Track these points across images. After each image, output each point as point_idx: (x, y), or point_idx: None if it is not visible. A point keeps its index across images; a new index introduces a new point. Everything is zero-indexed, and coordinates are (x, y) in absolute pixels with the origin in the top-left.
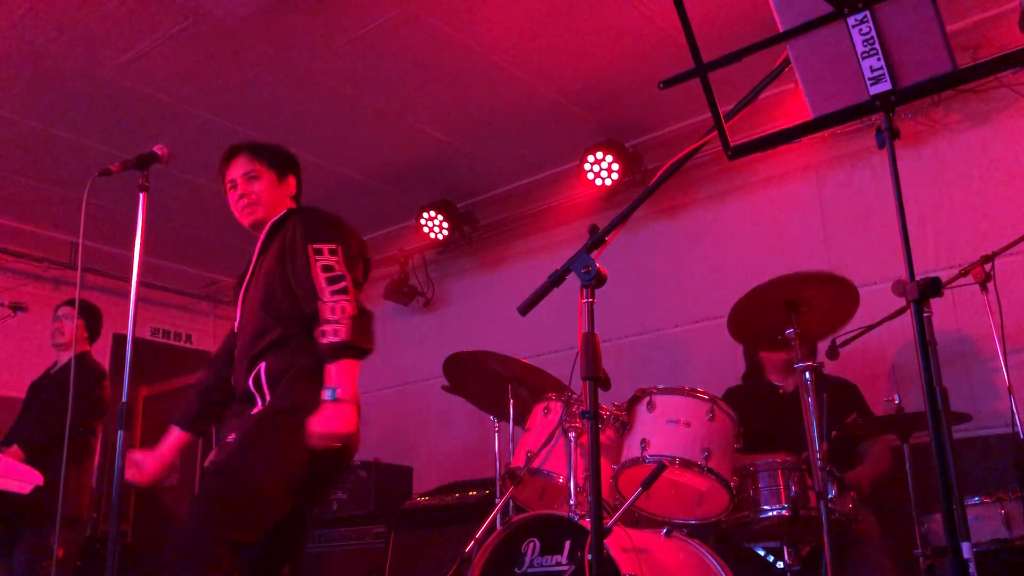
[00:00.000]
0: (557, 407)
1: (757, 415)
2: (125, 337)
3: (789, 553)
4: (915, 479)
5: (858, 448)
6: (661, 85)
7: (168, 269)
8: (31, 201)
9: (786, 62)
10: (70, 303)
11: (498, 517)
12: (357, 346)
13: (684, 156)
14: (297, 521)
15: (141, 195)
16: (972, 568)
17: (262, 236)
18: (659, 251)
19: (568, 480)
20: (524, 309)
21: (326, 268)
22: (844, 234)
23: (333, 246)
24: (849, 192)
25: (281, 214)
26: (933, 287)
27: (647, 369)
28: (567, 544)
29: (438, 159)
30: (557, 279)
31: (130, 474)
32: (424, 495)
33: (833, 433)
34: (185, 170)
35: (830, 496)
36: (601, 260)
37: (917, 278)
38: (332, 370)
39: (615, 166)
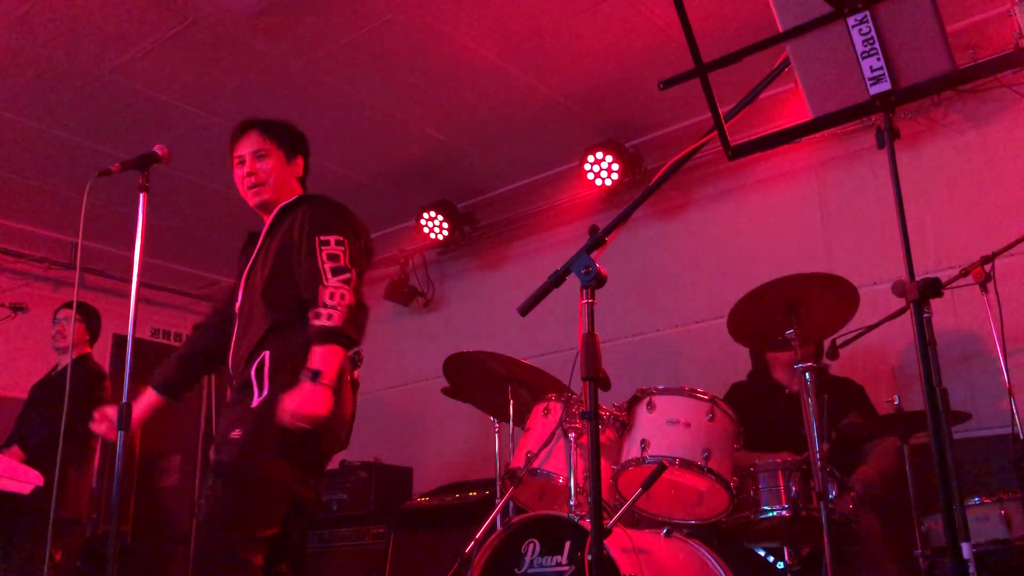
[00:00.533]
0: (557, 407)
1: (761, 413)
2: (125, 338)
3: (789, 553)
4: (915, 479)
5: (862, 448)
6: (661, 85)
7: (168, 269)
8: (31, 201)
9: (786, 62)
10: (68, 305)
11: (498, 518)
12: (347, 335)
13: (684, 156)
14: (291, 517)
15: (141, 195)
16: (972, 568)
17: (269, 219)
18: (659, 251)
19: (568, 480)
20: (524, 309)
21: (331, 257)
22: (844, 234)
23: (340, 238)
24: (849, 192)
25: (291, 200)
26: (933, 287)
27: (647, 369)
28: (567, 545)
29: (438, 159)
30: (557, 279)
31: (101, 428)
32: (424, 495)
33: (832, 434)
34: (185, 170)
35: (830, 496)
36: (601, 260)
37: (917, 278)
38: (318, 352)
39: (615, 166)
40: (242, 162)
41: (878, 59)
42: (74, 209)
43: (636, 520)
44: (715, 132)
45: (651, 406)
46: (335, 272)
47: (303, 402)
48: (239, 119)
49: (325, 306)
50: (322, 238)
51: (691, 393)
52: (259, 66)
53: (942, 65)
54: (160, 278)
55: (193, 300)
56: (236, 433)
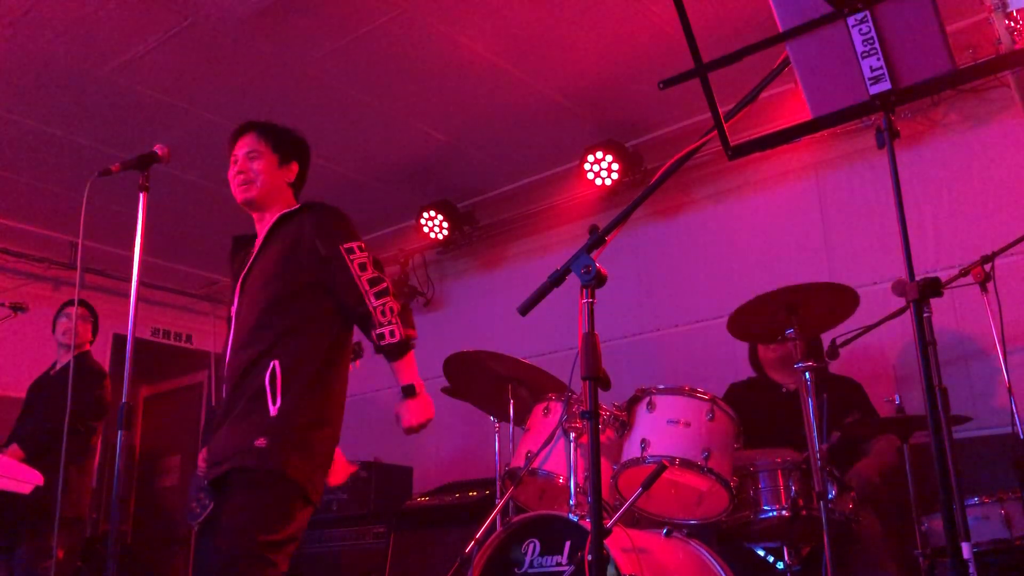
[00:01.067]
0: (557, 407)
1: (759, 412)
2: (125, 337)
3: (789, 553)
4: (915, 479)
5: (862, 446)
6: (661, 85)
7: (168, 269)
8: (31, 201)
9: (786, 62)
10: (71, 303)
11: (498, 517)
12: (409, 337)
13: (684, 156)
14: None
15: (141, 195)
16: (972, 568)
17: (267, 226)
18: (659, 251)
19: (568, 480)
20: (524, 309)
21: (362, 267)
22: (844, 234)
23: (360, 243)
24: (849, 192)
25: (291, 209)
26: (933, 287)
27: (647, 369)
28: (567, 544)
29: (438, 159)
30: (557, 279)
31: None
32: (424, 495)
33: (835, 434)
34: (185, 170)
35: (830, 496)
36: (601, 260)
37: (917, 278)
38: (400, 367)
39: (615, 166)
40: (235, 161)
41: (878, 59)
42: (74, 209)
43: (636, 520)
44: (715, 132)
45: (651, 406)
46: (372, 284)
47: (416, 415)
48: (239, 119)
49: (381, 324)
50: (346, 246)
51: (691, 393)
52: (259, 66)
53: (942, 65)
54: (160, 278)
55: (193, 300)
56: (261, 441)
